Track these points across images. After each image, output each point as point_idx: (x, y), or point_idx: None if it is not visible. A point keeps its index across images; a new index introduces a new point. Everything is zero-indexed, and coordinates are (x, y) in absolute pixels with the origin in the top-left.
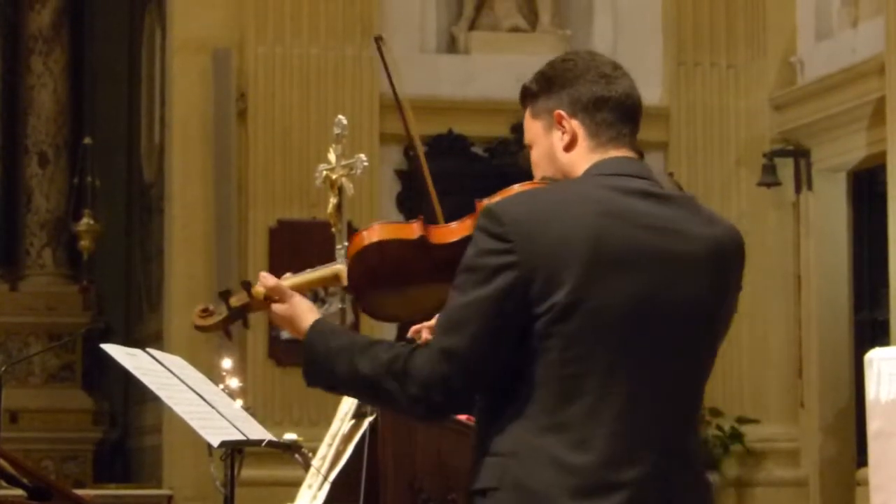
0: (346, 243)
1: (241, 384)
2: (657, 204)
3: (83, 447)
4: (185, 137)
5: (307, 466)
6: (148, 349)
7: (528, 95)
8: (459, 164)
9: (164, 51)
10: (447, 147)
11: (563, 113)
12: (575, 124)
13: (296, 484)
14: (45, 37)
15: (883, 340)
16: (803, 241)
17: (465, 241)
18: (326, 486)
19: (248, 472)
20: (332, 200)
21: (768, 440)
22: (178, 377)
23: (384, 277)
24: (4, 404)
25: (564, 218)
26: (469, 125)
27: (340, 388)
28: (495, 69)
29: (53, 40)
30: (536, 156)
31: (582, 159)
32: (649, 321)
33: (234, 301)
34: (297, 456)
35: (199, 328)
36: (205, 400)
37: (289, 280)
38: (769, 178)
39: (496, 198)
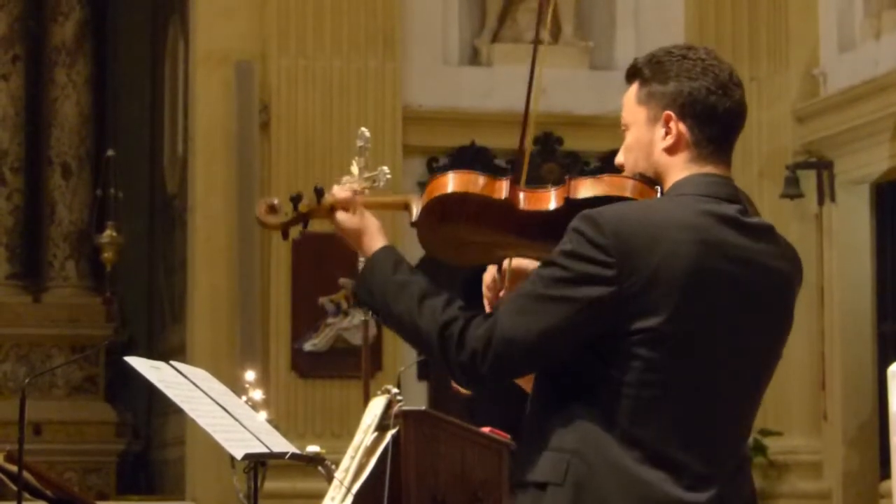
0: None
1: (264, 396)
2: (745, 235)
3: (106, 459)
4: (207, 149)
5: (330, 479)
6: (171, 362)
7: (638, 76)
8: None
9: (187, 62)
10: (470, 159)
11: (672, 115)
12: (682, 129)
13: (319, 496)
14: (68, 49)
15: None
16: (826, 252)
17: (546, 214)
18: (350, 499)
19: (271, 484)
20: None
21: (791, 452)
22: (201, 389)
23: (452, 225)
24: (28, 416)
25: (665, 243)
26: (492, 137)
27: (388, 322)
28: (518, 81)
29: (76, 52)
30: (632, 141)
31: (679, 167)
32: (729, 355)
33: (303, 206)
34: (320, 468)
35: (261, 223)
36: (228, 412)
37: (360, 197)
38: (792, 190)
39: (583, 183)
